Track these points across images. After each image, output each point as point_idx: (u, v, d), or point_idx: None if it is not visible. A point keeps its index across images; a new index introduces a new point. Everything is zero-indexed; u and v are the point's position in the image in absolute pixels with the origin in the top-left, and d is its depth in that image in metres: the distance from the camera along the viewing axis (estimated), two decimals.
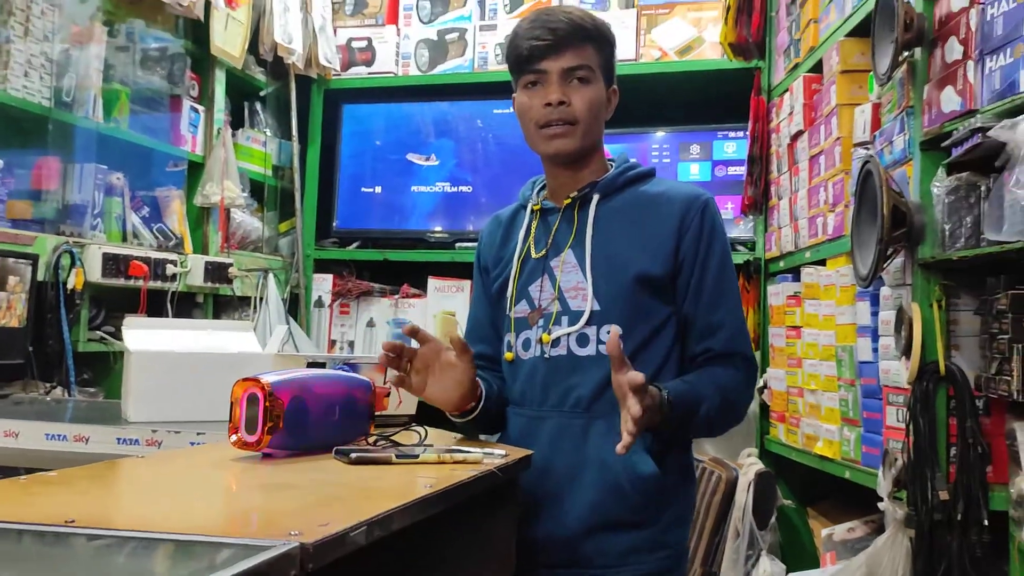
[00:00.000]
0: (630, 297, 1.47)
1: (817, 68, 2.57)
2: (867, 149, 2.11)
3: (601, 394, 1.46)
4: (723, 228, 1.55)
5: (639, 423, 1.27)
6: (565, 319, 1.50)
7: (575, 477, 1.46)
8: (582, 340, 1.49)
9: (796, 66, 2.77)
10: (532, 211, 1.60)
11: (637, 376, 1.27)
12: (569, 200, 1.55)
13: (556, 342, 1.50)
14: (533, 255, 1.56)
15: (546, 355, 1.51)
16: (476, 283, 1.71)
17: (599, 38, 1.54)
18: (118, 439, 1.57)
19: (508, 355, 1.56)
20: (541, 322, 1.52)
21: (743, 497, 2.59)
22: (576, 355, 1.49)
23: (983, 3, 1.60)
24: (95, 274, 2.54)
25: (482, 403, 1.50)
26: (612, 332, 1.32)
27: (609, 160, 1.61)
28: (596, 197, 1.54)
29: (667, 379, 1.46)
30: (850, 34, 2.29)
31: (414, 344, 1.47)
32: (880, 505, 1.84)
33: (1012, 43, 1.50)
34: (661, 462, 1.45)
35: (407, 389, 1.47)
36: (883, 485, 1.83)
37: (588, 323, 1.48)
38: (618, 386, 1.30)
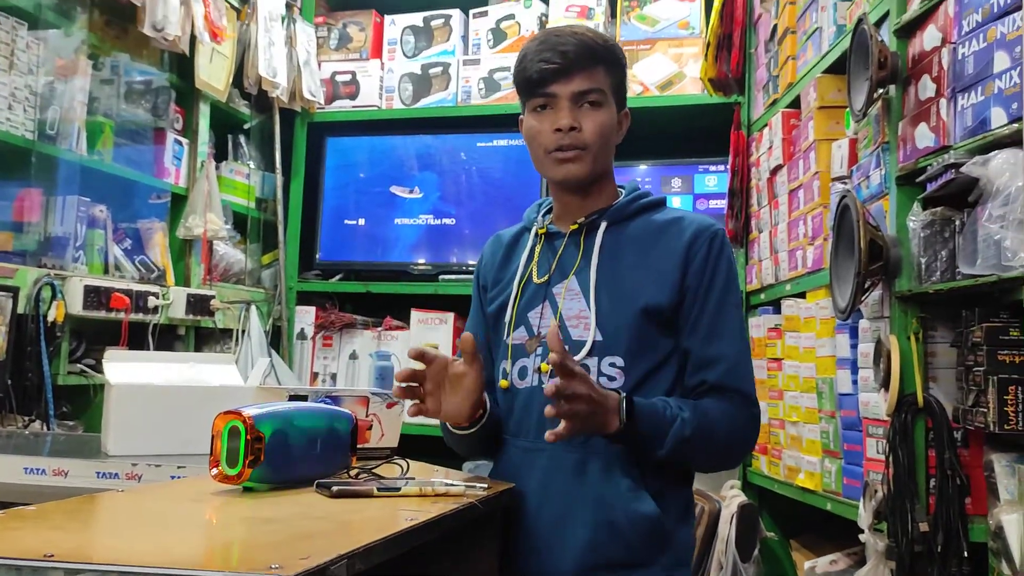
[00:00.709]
0: (635, 328, 1.42)
1: (795, 104, 2.61)
2: (844, 183, 2.14)
3: None
4: (732, 261, 1.48)
5: (569, 410, 1.24)
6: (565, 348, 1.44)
7: (570, 513, 1.40)
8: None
9: (775, 102, 2.82)
10: (537, 234, 1.55)
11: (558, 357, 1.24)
12: (576, 226, 1.51)
13: (554, 372, 1.42)
14: (535, 280, 1.51)
15: (543, 385, 1.42)
16: (474, 303, 1.66)
17: (610, 60, 1.49)
18: (98, 473, 1.55)
19: (503, 383, 1.50)
20: (540, 350, 1.46)
21: (726, 529, 2.59)
22: None
23: (954, 43, 1.63)
24: (76, 306, 2.52)
25: (487, 414, 1.45)
26: (552, 327, 1.30)
27: (619, 187, 1.57)
28: (604, 224, 1.49)
29: None
30: (827, 71, 2.34)
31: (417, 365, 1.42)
32: (861, 537, 1.84)
33: (983, 81, 1.54)
34: (660, 500, 1.39)
35: (427, 416, 1.41)
36: (864, 517, 1.83)
37: (589, 354, 1.42)
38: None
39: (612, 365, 1.42)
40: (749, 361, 1.47)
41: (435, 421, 1.49)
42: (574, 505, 1.40)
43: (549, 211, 1.59)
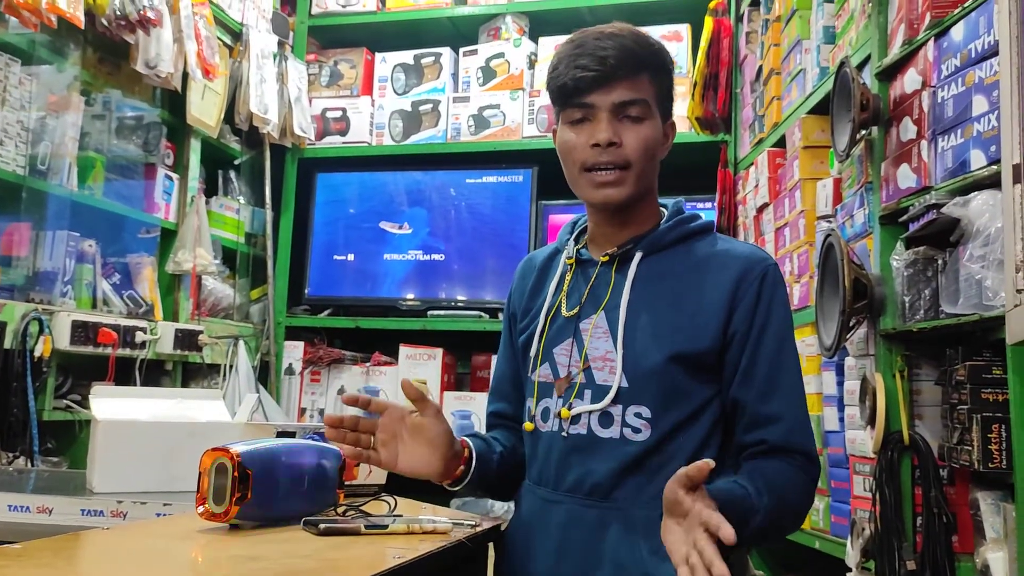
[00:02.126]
0: (665, 376, 1.27)
1: (781, 143, 2.65)
2: (829, 222, 2.17)
3: (620, 483, 1.27)
4: (787, 300, 1.33)
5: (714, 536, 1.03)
6: (588, 393, 1.30)
7: (588, 575, 1.27)
8: (605, 420, 1.29)
9: (760, 141, 2.85)
10: (567, 263, 1.40)
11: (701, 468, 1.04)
12: (607, 257, 1.35)
13: (576, 419, 1.30)
14: (564, 312, 1.36)
15: (564, 432, 1.31)
16: (504, 334, 1.50)
17: (656, 66, 1.32)
18: (83, 510, 1.54)
19: (528, 425, 1.37)
20: (565, 392, 1.32)
21: None
22: (597, 436, 1.29)
23: (935, 86, 1.67)
24: (63, 341, 2.52)
25: (474, 466, 1.33)
26: (703, 465, 1.06)
27: (662, 207, 1.40)
28: (639, 254, 1.33)
29: None
30: (811, 112, 2.37)
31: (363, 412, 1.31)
32: None
33: (962, 124, 1.57)
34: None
35: (374, 464, 1.29)
36: (851, 555, 1.83)
37: (614, 401, 1.27)
38: (671, 491, 1.08)
39: (638, 416, 1.28)
40: (808, 416, 1.31)
41: None
42: (590, 567, 1.27)
43: (583, 232, 1.43)
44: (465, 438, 1.37)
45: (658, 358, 1.27)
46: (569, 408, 1.31)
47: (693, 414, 1.28)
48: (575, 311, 1.35)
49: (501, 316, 1.57)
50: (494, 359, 1.73)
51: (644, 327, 1.29)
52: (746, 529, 1.15)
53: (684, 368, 1.27)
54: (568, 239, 1.43)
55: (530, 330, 1.41)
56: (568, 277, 1.39)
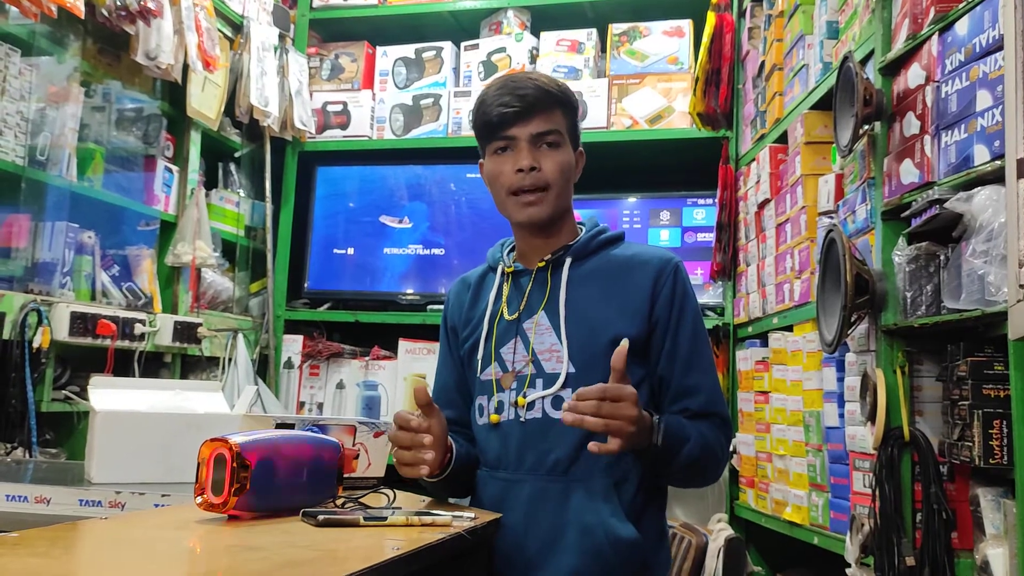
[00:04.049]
0: (606, 359, 1.44)
1: (782, 139, 2.64)
2: (831, 218, 2.16)
3: (578, 457, 1.46)
4: (693, 290, 1.57)
5: (625, 429, 1.30)
6: (540, 382, 1.50)
7: (555, 541, 1.44)
8: (557, 403, 1.47)
9: (762, 136, 2.85)
10: (504, 273, 1.60)
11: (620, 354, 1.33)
12: (543, 263, 1.56)
13: (531, 405, 1.49)
14: (506, 317, 1.56)
15: (521, 418, 1.50)
16: (442, 347, 1.71)
17: (566, 102, 1.56)
18: (80, 501, 1.54)
19: (494, 417, 1.54)
20: (515, 385, 1.52)
21: (713, 563, 2.58)
22: (552, 418, 1.48)
23: (938, 81, 1.66)
24: (62, 333, 2.51)
25: (453, 462, 1.48)
26: (622, 345, 1.35)
27: (579, 223, 1.63)
28: (569, 260, 1.56)
29: None
30: (814, 107, 2.37)
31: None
32: (848, 571, 1.84)
33: (966, 119, 1.56)
34: (638, 525, 1.45)
35: (427, 466, 1.42)
36: (851, 551, 1.83)
37: (564, 385, 1.48)
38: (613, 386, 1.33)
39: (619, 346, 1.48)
40: (719, 383, 1.57)
41: None
42: (559, 533, 1.44)
43: (512, 250, 1.64)
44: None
45: (599, 343, 1.47)
46: (524, 396, 1.50)
47: None
48: (516, 315, 1.55)
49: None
50: None
51: (582, 320, 1.50)
52: (679, 456, 1.41)
53: None
54: (500, 255, 1.64)
55: (474, 337, 1.60)
56: (506, 287, 1.59)
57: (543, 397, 1.49)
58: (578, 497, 1.45)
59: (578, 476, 1.46)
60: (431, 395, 1.50)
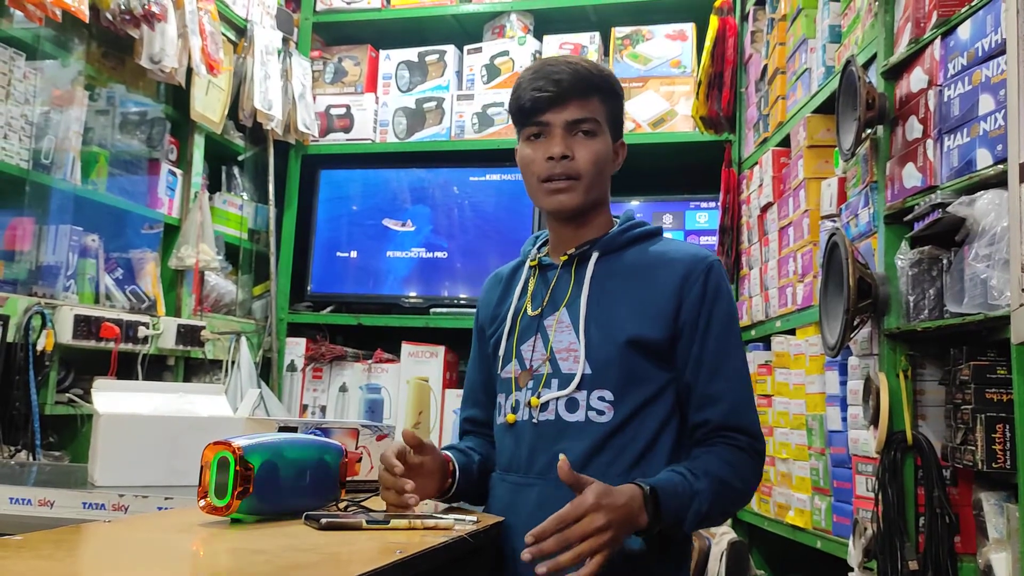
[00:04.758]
0: (623, 361, 1.40)
1: (785, 142, 2.64)
2: (834, 222, 2.16)
3: (588, 464, 1.38)
4: (729, 292, 1.47)
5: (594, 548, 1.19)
6: (555, 382, 1.43)
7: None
8: (571, 405, 1.41)
9: (765, 140, 2.85)
10: (530, 267, 1.54)
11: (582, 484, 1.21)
12: (566, 257, 1.50)
13: (545, 406, 1.43)
14: (529, 312, 1.50)
15: (534, 419, 1.43)
16: (474, 344, 1.64)
17: (606, 89, 1.47)
18: (84, 503, 1.54)
19: (511, 417, 1.47)
20: (531, 384, 1.45)
21: (716, 567, 2.58)
22: (564, 420, 1.41)
23: (940, 85, 1.66)
24: (66, 336, 2.52)
25: (456, 481, 1.45)
26: (561, 460, 1.22)
27: (615, 217, 1.56)
28: (595, 254, 1.48)
29: (662, 450, 1.39)
30: (816, 111, 2.37)
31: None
32: None
33: (968, 123, 1.56)
34: (652, 539, 1.35)
35: (413, 503, 1.35)
36: (853, 555, 1.83)
37: (579, 387, 1.40)
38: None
39: (601, 399, 1.41)
40: (751, 397, 1.45)
41: None
42: None
43: (545, 243, 1.57)
44: (447, 452, 1.49)
45: (617, 344, 1.40)
46: (538, 396, 1.43)
47: (652, 397, 1.41)
48: (538, 311, 1.49)
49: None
50: None
51: (603, 318, 1.43)
52: (685, 520, 1.31)
53: (641, 354, 1.40)
54: (531, 249, 1.58)
55: (499, 333, 1.54)
56: (532, 281, 1.52)
57: (557, 398, 1.42)
58: None
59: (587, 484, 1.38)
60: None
